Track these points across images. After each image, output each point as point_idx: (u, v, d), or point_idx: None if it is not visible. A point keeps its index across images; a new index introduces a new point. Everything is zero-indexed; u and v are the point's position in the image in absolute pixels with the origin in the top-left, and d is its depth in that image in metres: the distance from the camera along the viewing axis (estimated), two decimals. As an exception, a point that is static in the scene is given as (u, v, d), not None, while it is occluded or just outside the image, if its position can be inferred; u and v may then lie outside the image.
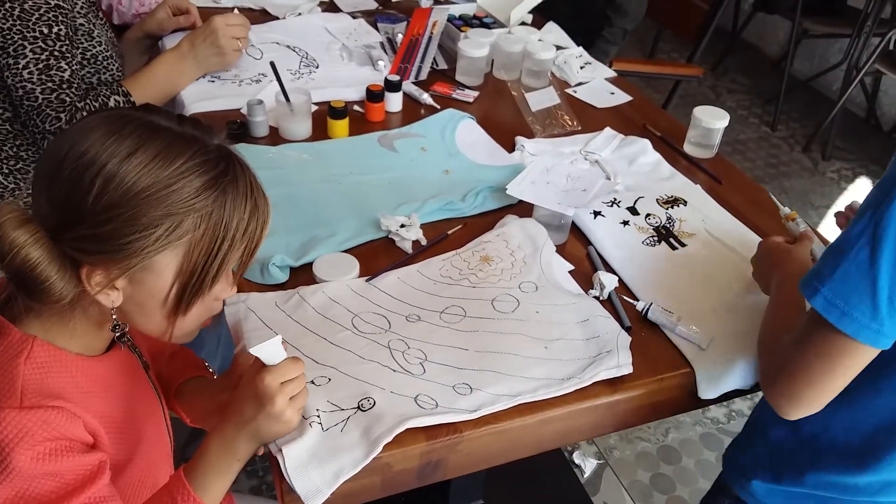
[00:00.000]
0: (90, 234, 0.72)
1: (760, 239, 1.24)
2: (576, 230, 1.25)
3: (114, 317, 0.79)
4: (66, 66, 1.32)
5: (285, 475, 0.82)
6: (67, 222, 0.72)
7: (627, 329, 1.05)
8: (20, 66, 1.27)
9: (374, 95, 1.48)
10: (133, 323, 0.81)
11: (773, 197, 1.27)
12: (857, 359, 0.76)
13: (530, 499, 1.85)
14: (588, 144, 1.48)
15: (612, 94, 1.71)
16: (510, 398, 0.93)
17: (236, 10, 1.58)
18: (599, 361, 0.98)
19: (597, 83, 1.74)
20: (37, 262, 0.71)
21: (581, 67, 1.79)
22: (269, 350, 0.81)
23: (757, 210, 1.33)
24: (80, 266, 0.73)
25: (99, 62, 1.45)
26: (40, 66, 1.28)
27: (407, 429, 0.88)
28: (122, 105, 1.38)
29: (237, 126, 1.39)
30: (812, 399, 0.79)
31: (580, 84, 1.73)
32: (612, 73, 1.80)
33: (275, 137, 1.42)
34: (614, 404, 0.98)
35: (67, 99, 1.31)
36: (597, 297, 1.10)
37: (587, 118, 1.59)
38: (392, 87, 1.51)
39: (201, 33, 1.46)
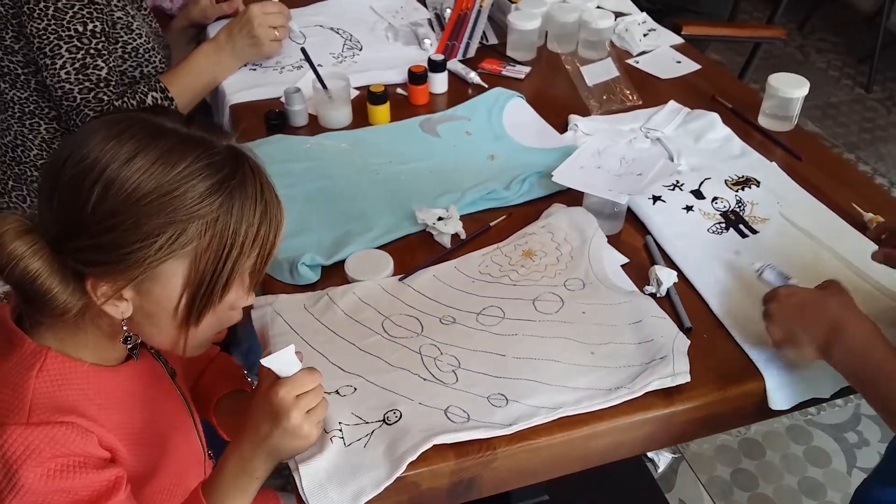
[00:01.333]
0: (91, 244, 0.68)
1: (845, 223, 1.10)
2: (632, 217, 1.14)
3: (124, 328, 0.75)
4: (104, 64, 1.30)
5: (301, 495, 0.77)
6: (68, 232, 0.69)
7: (687, 331, 0.95)
8: (57, 67, 1.26)
9: (416, 77, 1.40)
10: (144, 334, 0.77)
11: (855, 206, 1.13)
12: None
13: (598, 495, 1.75)
14: (649, 120, 1.36)
15: (679, 62, 1.57)
16: (550, 411, 0.85)
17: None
18: (652, 369, 0.88)
19: (661, 51, 1.60)
20: (37, 274, 0.68)
21: (644, 35, 1.65)
22: (281, 360, 0.76)
23: (843, 190, 1.18)
24: (85, 278, 0.70)
25: (140, 55, 1.43)
26: (77, 65, 1.27)
27: (434, 445, 0.81)
28: (159, 101, 1.35)
29: (276, 116, 1.34)
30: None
31: (643, 53, 1.60)
32: (678, 40, 1.65)
33: (315, 126, 1.36)
34: (669, 417, 0.88)
35: (105, 98, 1.29)
36: (653, 295, 1.00)
37: (650, 91, 1.46)
38: (436, 67, 1.42)
39: (237, 23, 1.42)
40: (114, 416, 0.78)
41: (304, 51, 1.37)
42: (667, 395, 0.88)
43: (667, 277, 1.00)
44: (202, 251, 0.70)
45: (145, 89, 1.35)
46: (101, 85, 1.30)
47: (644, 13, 1.72)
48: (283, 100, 1.36)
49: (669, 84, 1.50)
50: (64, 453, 0.71)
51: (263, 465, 0.78)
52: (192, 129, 0.72)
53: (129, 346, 0.78)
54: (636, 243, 1.11)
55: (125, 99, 1.32)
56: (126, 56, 1.40)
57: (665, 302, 0.99)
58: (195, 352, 0.81)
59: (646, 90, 1.46)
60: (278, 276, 1.04)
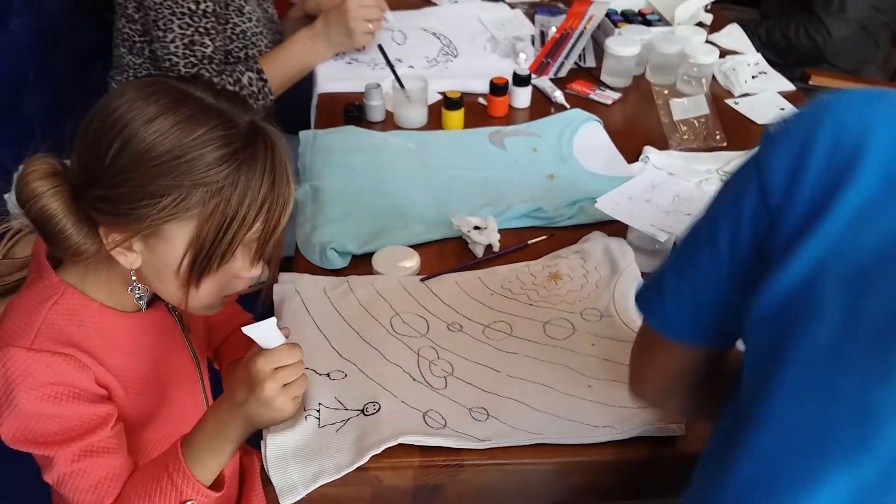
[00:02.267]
0: (104, 195, 0.73)
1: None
2: (679, 259, 1.09)
3: (133, 278, 0.81)
4: (210, 43, 1.40)
5: (264, 464, 0.80)
6: (87, 181, 0.74)
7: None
8: (167, 40, 1.37)
9: (496, 89, 1.40)
10: (151, 287, 0.83)
11: None
12: (658, 346, 0.72)
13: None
14: (729, 164, 1.29)
15: (782, 109, 1.47)
16: (528, 435, 0.83)
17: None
18: (646, 415, 0.84)
19: (767, 96, 1.51)
20: (53, 213, 0.74)
21: (753, 77, 1.56)
22: (262, 332, 0.78)
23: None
24: (98, 224, 0.75)
25: (247, 37, 1.52)
26: (185, 41, 1.37)
27: (402, 444, 0.81)
28: (254, 82, 1.43)
29: (355, 109, 1.39)
30: (636, 390, 0.79)
31: (745, 95, 1.52)
32: (790, 88, 1.55)
33: (389, 123, 1.40)
34: (656, 468, 0.83)
35: (206, 74, 1.39)
36: (675, 339, 0.95)
37: (741, 134, 1.39)
38: (520, 81, 1.42)
39: (334, 13, 1.48)
40: (117, 357, 0.83)
41: (380, 47, 1.41)
42: (658, 444, 0.83)
43: (693, 325, 0.94)
44: (205, 218, 0.74)
45: (242, 69, 1.44)
46: (205, 62, 1.40)
47: (758, 55, 1.63)
48: (364, 94, 1.40)
49: (764, 130, 1.41)
50: (57, 381, 0.76)
51: (237, 430, 0.81)
52: (219, 100, 0.76)
53: (137, 296, 0.83)
54: (675, 286, 1.05)
55: (223, 76, 1.42)
56: (234, 37, 1.50)
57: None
58: (203, 312, 0.85)
59: (737, 133, 1.39)
60: (309, 256, 1.08)
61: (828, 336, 0.54)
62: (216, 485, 0.83)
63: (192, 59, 1.38)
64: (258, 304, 0.97)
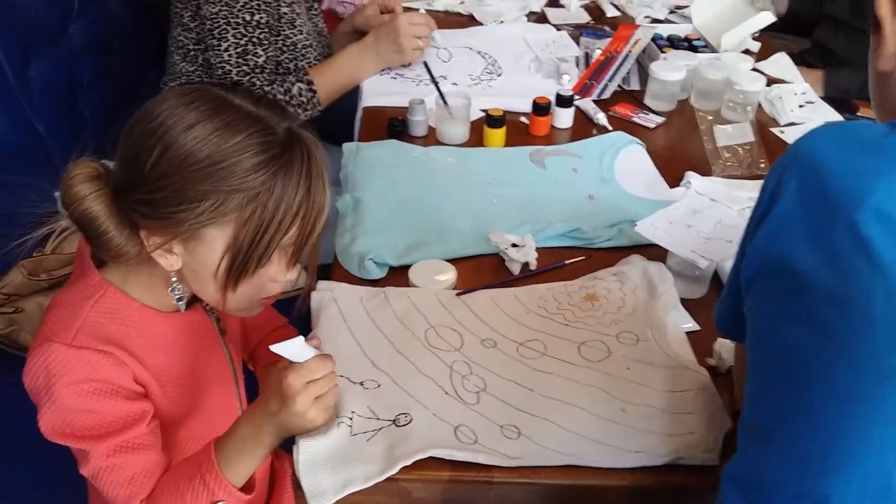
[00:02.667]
0: (144, 199, 0.75)
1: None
2: (719, 285, 1.08)
3: (173, 279, 0.83)
4: (262, 53, 1.43)
5: (296, 469, 0.81)
6: (129, 185, 0.76)
7: (736, 414, 0.87)
8: (221, 49, 1.41)
9: (539, 108, 1.41)
10: (191, 288, 0.84)
11: None
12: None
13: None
14: (772, 193, 1.27)
15: (829, 140, 1.45)
16: (560, 456, 0.82)
17: (423, 10, 1.60)
18: (678, 442, 0.83)
19: (813, 126, 1.49)
20: (95, 216, 0.76)
21: (800, 106, 1.55)
22: (291, 350, 0.79)
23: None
24: (139, 227, 0.77)
25: (298, 49, 1.56)
26: (238, 50, 1.41)
27: (432, 457, 0.81)
28: (303, 92, 1.46)
29: (398, 123, 1.41)
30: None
31: (791, 124, 1.50)
32: (837, 118, 1.53)
33: (432, 139, 1.41)
34: (689, 496, 0.82)
35: (257, 83, 1.42)
36: (712, 368, 0.94)
37: (785, 163, 1.37)
38: (563, 102, 1.43)
39: (385, 29, 1.51)
40: (155, 356, 0.85)
41: (426, 64, 1.43)
42: (691, 471, 0.82)
43: (731, 355, 0.93)
44: (243, 223, 0.75)
45: (293, 80, 1.47)
46: (257, 71, 1.43)
47: (806, 84, 1.61)
48: (408, 109, 1.42)
49: (810, 160, 1.39)
50: (96, 378, 0.78)
51: (270, 436, 0.82)
52: (258, 107, 0.78)
53: (176, 297, 0.85)
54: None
55: (274, 86, 1.45)
56: (284, 48, 1.54)
57: (722, 379, 0.93)
58: (240, 314, 0.87)
59: (781, 162, 1.37)
60: (347, 266, 1.09)
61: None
62: (247, 487, 0.84)
63: (245, 67, 1.41)
64: (295, 309, 0.98)
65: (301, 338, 0.79)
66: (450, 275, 1.06)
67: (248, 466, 0.83)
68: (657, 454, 0.82)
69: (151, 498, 0.82)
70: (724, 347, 0.94)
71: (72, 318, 0.80)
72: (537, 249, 1.10)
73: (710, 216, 1.08)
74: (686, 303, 1.04)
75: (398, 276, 1.08)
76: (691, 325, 1.01)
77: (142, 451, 0.81)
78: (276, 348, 0.78)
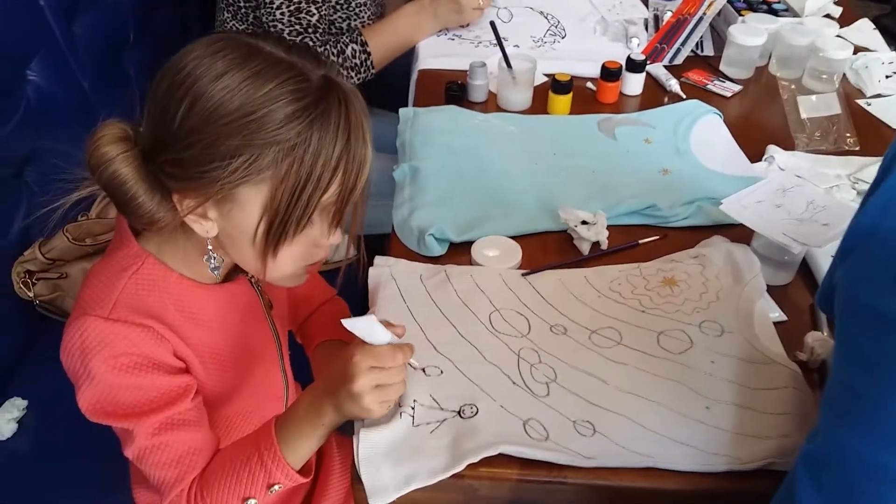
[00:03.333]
0: (174, 158, 0.69)
1: None
2: (806, 272, 0.99)
3: (209, 248, 0.77)
4: (315, 11, 1.35)
5: (356, 461, 0.75)
6: (158, 144, 0.70)
7: (831, 414, 0.80)
8: (274, 6, 1.33)
9: (609, 74, 1.31)
10: (230, 256, 0.79)
11: None
12: None
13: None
14: (862, 171, 1.17)
15: (922, 113, 1.33)
16: (638, 457, 0.76)
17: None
18: (769, 446, 0.75)
19: (904, 98, 1.38)
20: (124, 179, 0.70)
21: (887, 76, 1.42)
22: (363, 328, 0.74)
23: None
24: (171, 191, 0.72)
25: (351, 8, 1.48)
26: (292, 8, 1.34)
27: (501, 454, 0.75)
28: (357, 53, 1.39)
29: (457, 87, 1.33)
30: None
31: (878, 96, 1.38)
32: (930, 88, 1.41)
33: (492, 105, 1.33)
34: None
35: (310, 42, 1.35)
36: (802, 363, 0.86)
37: (873, 139, 1.26)
38: (634, 66, 1.33)
39: None
40: (196, 330, 0.80)
41: (492, 24, 1.33)
42: (782, 478, 0.75)
43: (825, 349, 0.85)
44: (279, 180, 0.69)
45: (347, 40, 1.39)
46: (310, 30, 1.36)
47: (892, 53, 1.48)
48: (467, 73, 1.34)
49: (903, 135, 1.28)
50: (134, 352, 0.73)
51: (330, 415, 0.77)
52: (290, 54, 0.71)
53: (212, 267, 0.79)
54: (802, 302, 0.96)
55: (328, 46, 1.37)
56: (338, 7, 1.46)
57: (813, 376, 0.85)
58: (284, 283, 0.81)
59: (869, 137, 1.26)
60: (406, 241, 1.02)
61: None
62: (304, 470, 0.79)
63: (298, 26, 1.34)
64: (337, 283, 0.91)
65: (373, 316, 0.73)
66: (515, 252, 0.99)
67: (307, 448, 0.78)
68: (747, 459, 0.75)
69: (203, 478, 0.78)
70: (818, 340, 0.86)
71: (109, 290, 0.75)
72: (609, 227, 1.02)
73: (802, 195, 0.99)
74: (770, 290, 0.95)
75: (459, 252, 1.01)
76: (778, 314, 0.93)
77: (189, 427, 0.78)
78: (348, 323, 0.73)
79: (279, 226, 0.72)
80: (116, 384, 0.74)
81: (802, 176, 1.12)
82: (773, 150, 1.20)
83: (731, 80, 1.41)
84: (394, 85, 1.51)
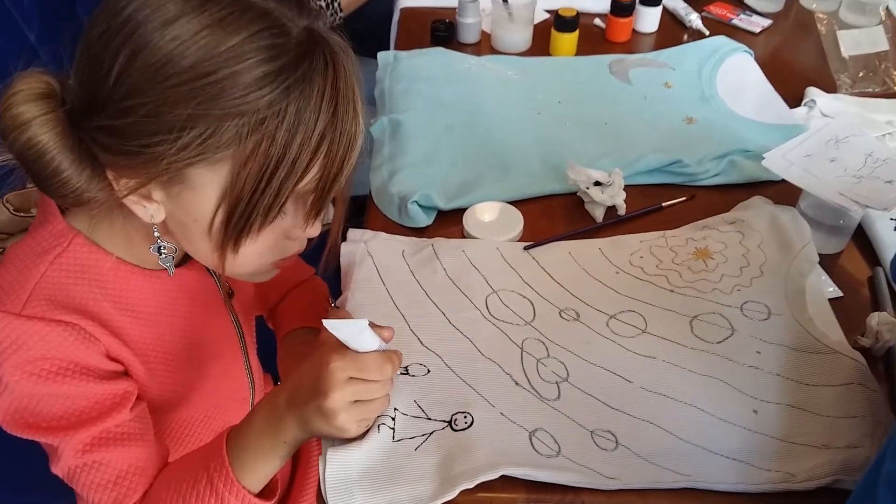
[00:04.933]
0: (108, 125, 0.54)
1: None
2: (861, 238, 0.84)
3: (155, 234, 0.62)
4: None
5: (321, 487, 0.61)
6: (89, 106, 0.55)
7: (904, 414, 0.65)
8: None
9: (620, 8, 1.14)
10: (180, 246, 0.64)
11: None
12: None
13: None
14: (920, 114, 1.00)
15: (981, 47, 1.16)
16: (673, 476, 0.61)
17: None
18: (832, 459, 0.61)
19: (960, 30, 1.20)
20: (44, 147, 0.55)
21: (940, 5, 1.25)
22: (348, 332, 0.59)
23: None
24: (106, 165, 0.56)
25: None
26: None
27: (503, 475, 0.61)
28: None
29: (444, 27, 1.16)
30: None
31: (931, 28, 1.21)
32: None
33: (485, 46, 1.16)
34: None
35: None
36: (865, 350, 0.71)
37: (929, 77, 1.09)
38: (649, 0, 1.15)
39: None
40: (136, 326, 0.66)
41: (484, -51, 1.15)
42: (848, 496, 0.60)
43: (894, 334, 0.70)
44: (242, 161, 0.54)
45: None
46: None
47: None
48: (456, 9, 1.16)
49: (961, 72, 1.11)
50: (55, 356, 0.59)
51: (293, 432, 0.62)
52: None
53: (162, 257, 0.64)
54: (859, 274, 0.81)
55: None
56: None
57: (877, 366, 0.70)
58: (246, 279, 0.67)
59: (925, 75, 1.09)
60: (385, 210, 0.86)
61: None
62: (266, 491, 0.65)
63: None
64: (322, 259, 0.76)
65: (366, 321, 0.59)
66: (516, 222, 0.83)
67: (267, 468, 0.64)
68: (805, 476, 0.60)
69: (146, 503, 0.64)
70: (885, 324, 0.71)
71: (23, 279, 0.61)
72: (625, 188, 0.86)
73: (859, 147, 0.83)
74: (821, 261, 0.80)
75: (449, 222, 0.85)
76: (833, 289, 0.78)
77: (128, 442, 0.64)
78: (330, 324, 0.58)
79: (242, 216, 0.57)
80: (35, 393, 0.60)
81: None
82: (813, 92, 1.04)
83: (759, 14, 1.24)
84: (373, 28, 1.33)
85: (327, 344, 0.62)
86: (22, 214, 1.11)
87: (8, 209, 1.11)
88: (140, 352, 0.67)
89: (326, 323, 0.58)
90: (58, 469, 0.63)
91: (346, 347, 0.60)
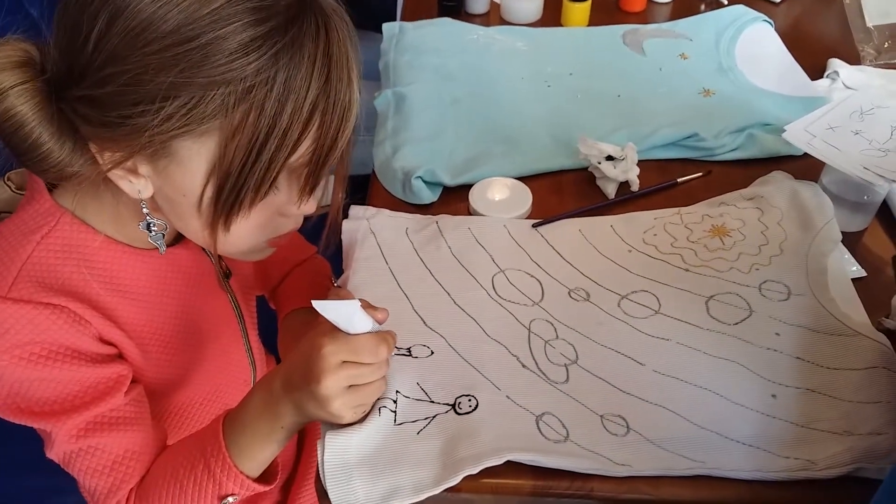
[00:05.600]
0: (88, 95, 0.51)
1: None
2: (886, 215, 0.80)
3: (144, 210, 0.59)
4: None
5: (320, 472, 0.59)
6: (68, 75, 0.52)
7: (934, 401, 0.62)
8: None
9: (635, -24, 1.09)
10: (171, 224, 0.61)
11: None
12: None
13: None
14: (948, 86, 0.96)
15: None
16: (687, 463, 0.58)
17: None
18: (854, 447, 0.58)
19: None
20: (22, 118, 0.52)
21: (971, -28, 1.19)
22: (340, 313, 0.56)
23: None
24: (88, 138, 0.53)
25: None
26: None
27: (509, 461, 0.58)
28: None
29: (452, -3, 1.11)
30: None
31: (962, -4, 1.15)
32: None
33: (494, 17, 1.12)
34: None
35: None
36: (890, 332, 0.67)
37: (959, 47, 1.04)
38: (665, -33, 1.11)
39: None
40: (129, 307, 0.64)
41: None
42: (873, 486, 0.58)
43: (920, 314, 0.67)
44: (230, 132, 0.51)
45: None
46: None
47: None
48: (466, -22, 1.12)
49: None
50: (44, 340, 0.57)
51: (290, 416, 0.60)
52: None
53: (152, 235, 0.61)
54: (883, 253, 0.77)
55: None
56: None
57: (906, 349, 0.67)
58: (241, 258, 0.65)
59: (954, 44, 1.04)
60: (389, 186, 0.84)
61: None
62: (266, 475, 0.63)
63: None
64: (322, 239, 0.73)
65: (357, 302, 0.56)
66: (524, 198, 0.80)
67: (266, 452, 0.62)
68: (826, 463, 0.58)
69: (143, 488, 0.64)
70: (911, 305, 0.68)
71: (10, 260, 0.59)
72: (639, 163, 0.83)
73: (885, 119, 0.79)
74: (843, 239, 0.76)
75: (455, 199, 0.82)
76: (856, 269, 0.74)
77: (123, 426, 0.63)
78: (319, 306, 0.56)
79: (232, 192, 0.54)
80: (25, 378, 0.58)
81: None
82: (836, 64, 1.00)
83: (780, -18, 1.19)
84: (379, 1, 1.29)
85: (320, 327, 0.59)
86: (23, 192, 1.10)
87: (10, 187, 1.09)
88: (134, 334, 0.65)
89: (316, 304, 0.56)
90: (53, 454, 0.62)
91: (339, 330, 0.58)
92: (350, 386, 0.57)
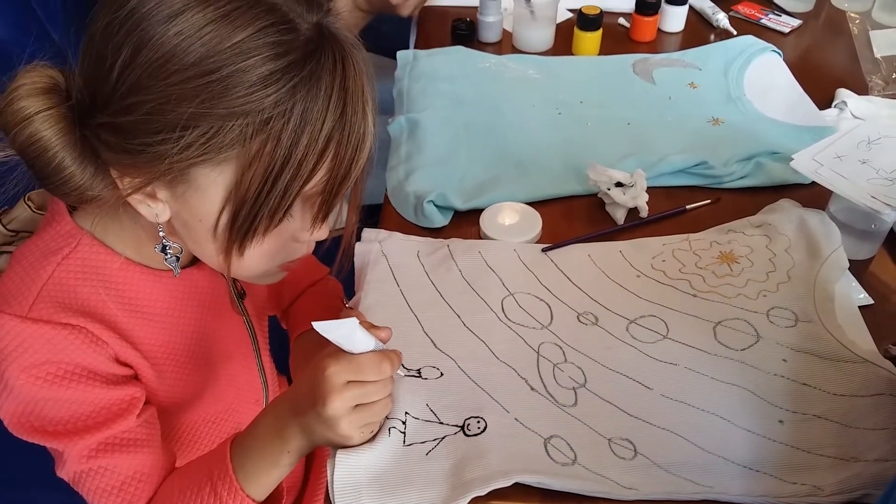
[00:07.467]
0: (111, 123, 0.53)
1: None
2: (893, 244, 0.81)
3: (161, 234, 0.61)
4: None
5: (329, 491, 0.59)
6: (93, 102, 0.54)
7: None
8: None
9: (646, 6, 1.12)
10: (186, 247, 0.63)
11: None
12: None
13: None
14: (956, 117, 0.97)
15: None
16: (694, 487, 0.59)
17: None
18: (861, 473, 0.58)
19: None
20: (46, 143, 0.53)
21: (979, 5, 1.20)
22: (340, 333, 0.57)
23: None
24: (109, 164, 0.55)
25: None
26: None
27: (516, 484, 0.59)
28: None
29: (465, 26, 1.14)
30: None
31: (970, 28, 1.17)
32: None
33: (507, 46, 1.14)
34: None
35: None
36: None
37: (967, 79, 1.05)
38: (675, -2, 1.13)
39: None
40: (146, 328, 0.65)
41: (506, -54, 1.13)
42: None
43: (928, 343, 0.67)
44: (247, 162, 0.52)
45: None
46: None
47: None
48: (477, 8, 1.14)
49: None
50: (61, 360, 0.58)
51: (297, 441, 0.61)
52: None
53: (167, 257, 0.63)
54: (891, 281, 0.78)
55: None
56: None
57: (915, 377, 0.67)
58: (254, 281, 0.66)
59: (962, 76, 1.05)
60: (400, 208, 0.85)
61: None
62: (272, 498, 0.64)
63: None
64: (336, 262, 0.75)
65: (355, 320, 0.57)
66: (534, 223, 0.81)
67: (273, 476, 0.63)
68: (835, 490, 0.58)
69: None
70: (918, 333, 0.68)
71: (30, 281, 0.60)
72: (648, 190, 0.84)
73: (892, 149, 0.80)
74: (851, 267, 0.77)
75: (466, 223, 0.83)
76: (863, 296, 0.75)
77: (134, 448, 0.63)
78: (320, 327, 0.56)
79: (247, 219, 0.55)
80: (41, 398, 0.59)
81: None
82: (843, 94, 1.01)
83: (789, 14, 1.21)
84: (395, 29, 1.32)
85: (324, 349, 0.60)
86: (43, 212, 1.12)
87: (29, 207, 1.11)
88: (149, 354, 0.66)
89: (316, 325, 0.57)
90: (63, 473, 0.63)
91: (342, 351, 0.58)
92: (356, 406, 0.58)
